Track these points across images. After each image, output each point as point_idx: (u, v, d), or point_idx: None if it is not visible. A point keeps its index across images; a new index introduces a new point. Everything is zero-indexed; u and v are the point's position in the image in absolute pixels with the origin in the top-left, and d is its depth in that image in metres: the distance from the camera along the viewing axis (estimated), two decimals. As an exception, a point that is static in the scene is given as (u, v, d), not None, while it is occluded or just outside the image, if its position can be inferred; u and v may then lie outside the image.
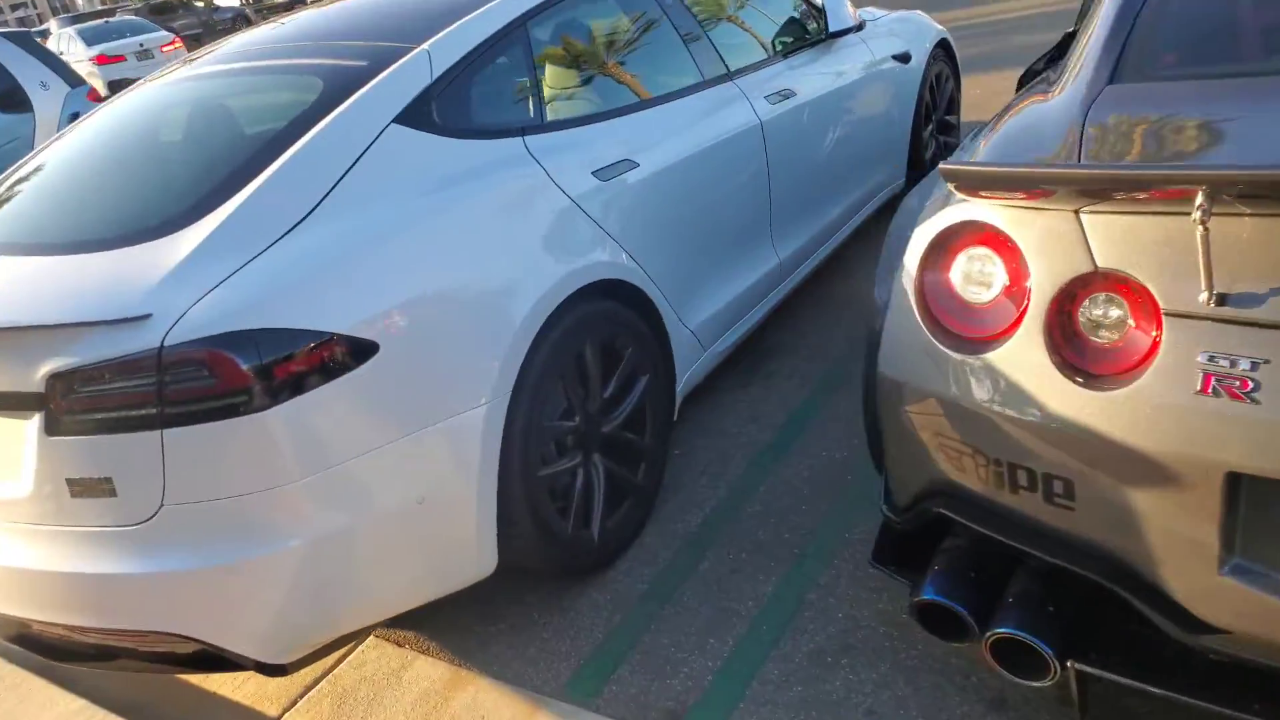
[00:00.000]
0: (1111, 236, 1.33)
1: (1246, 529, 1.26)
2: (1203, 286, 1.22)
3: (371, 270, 1.81)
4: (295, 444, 1.70)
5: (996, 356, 1.44)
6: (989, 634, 1.49)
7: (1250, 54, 1.68)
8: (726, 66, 2.91)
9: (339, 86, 2.09)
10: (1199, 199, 1.14)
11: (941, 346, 1.52)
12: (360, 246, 1.83)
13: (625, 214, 2.35)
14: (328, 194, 1.88)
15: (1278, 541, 1.24)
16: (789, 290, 3.14)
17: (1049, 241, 1.39)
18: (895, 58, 3.75)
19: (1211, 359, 1.24)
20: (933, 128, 4.13)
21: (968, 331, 1.51)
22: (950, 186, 1.39)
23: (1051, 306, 1.39)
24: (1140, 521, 1.33)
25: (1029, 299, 1.42)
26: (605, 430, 2.28)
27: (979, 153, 1.70)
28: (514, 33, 2.34)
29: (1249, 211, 1.17)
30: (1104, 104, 1.65)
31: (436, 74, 2.14)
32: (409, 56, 2.15)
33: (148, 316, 1.65)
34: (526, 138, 2.23)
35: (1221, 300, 1.22)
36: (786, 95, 3.04)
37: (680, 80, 2.73)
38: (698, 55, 2.82)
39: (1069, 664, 1.43)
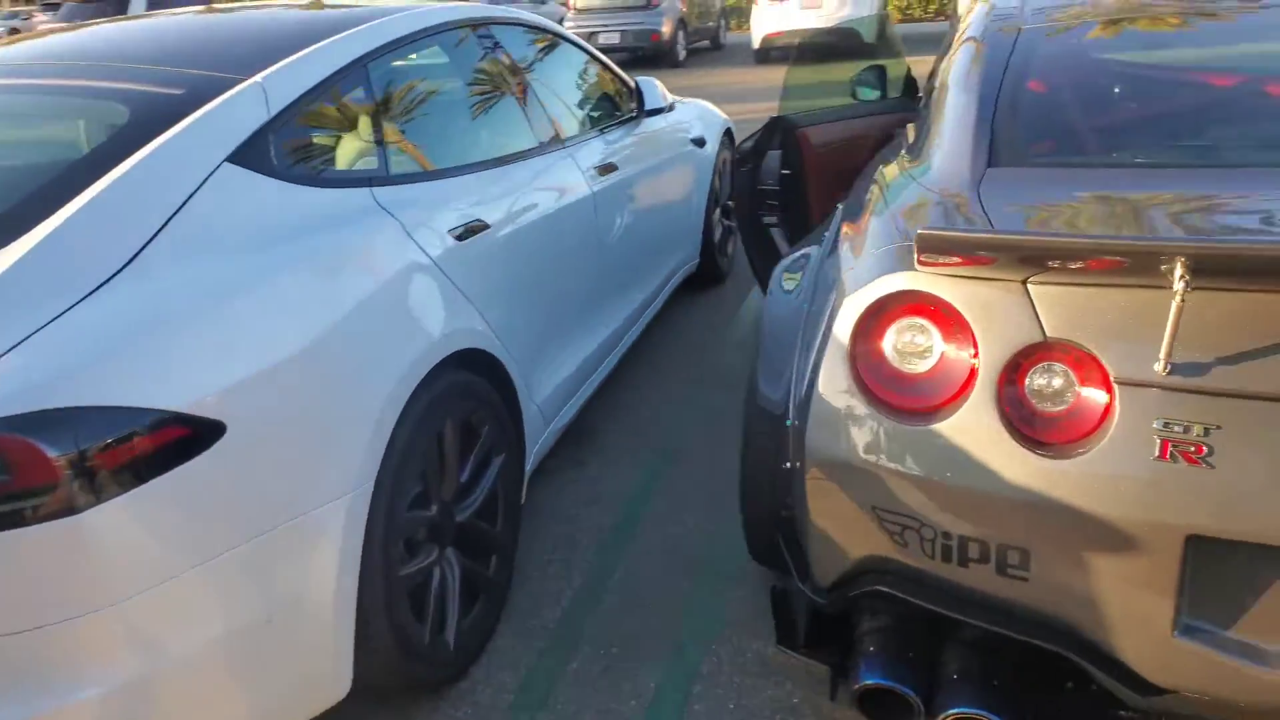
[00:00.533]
0: (1060, 307, 1.37)
1: (1194, 590, 1.31)
2: (1162, 356, 1.27)
3: (211, 335, 1.47)
4: (116, 557, 1.32)
5: (947, 426, 1.42)
6: (945, 715, 1.43)
7: (1117, 146, 1.86)
8: (559, 133, 2.81)
9: (152, 116, 1.73)
10: (1179, 270, 1.18)
11: (886, 418, 1.49)
12: (195, 306, 1.49)
13: (481, 277, 2.14)
14: (151, 240, 1.53)
15: (1221, 600, 1.30)
16: (616, 362, 3.05)
17: (998, 311, 1.40)
18: (693, 141, 3.85)
19: (1167, 425, 1.29)
20: (720, 211, 4.28)
21: (910, 403, 1.49)
22: (918, 256, 1.37)
23: (1001, 376, 1.40)
24: (1097, 588, 1.35)
25: (976, 368, 1.42)
26: (459, 519, 2.03)
27: (877, 230, 1.72)
28: (355, 73, 2.09)
29: (1218, 286, 1.24)
30: (991, 185, 1.73)
31: (274, 110, 1.84)
32: (240, 88, 1.83)
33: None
34: (374, 189, 1.98)
35: (1173, 369, 1.28)
36: (610, 168, 2.99)
37: (519, 143, 2.59)
38: (534, 120, 2.70)
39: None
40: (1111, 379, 1.33)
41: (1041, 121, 2.02)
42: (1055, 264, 1.32)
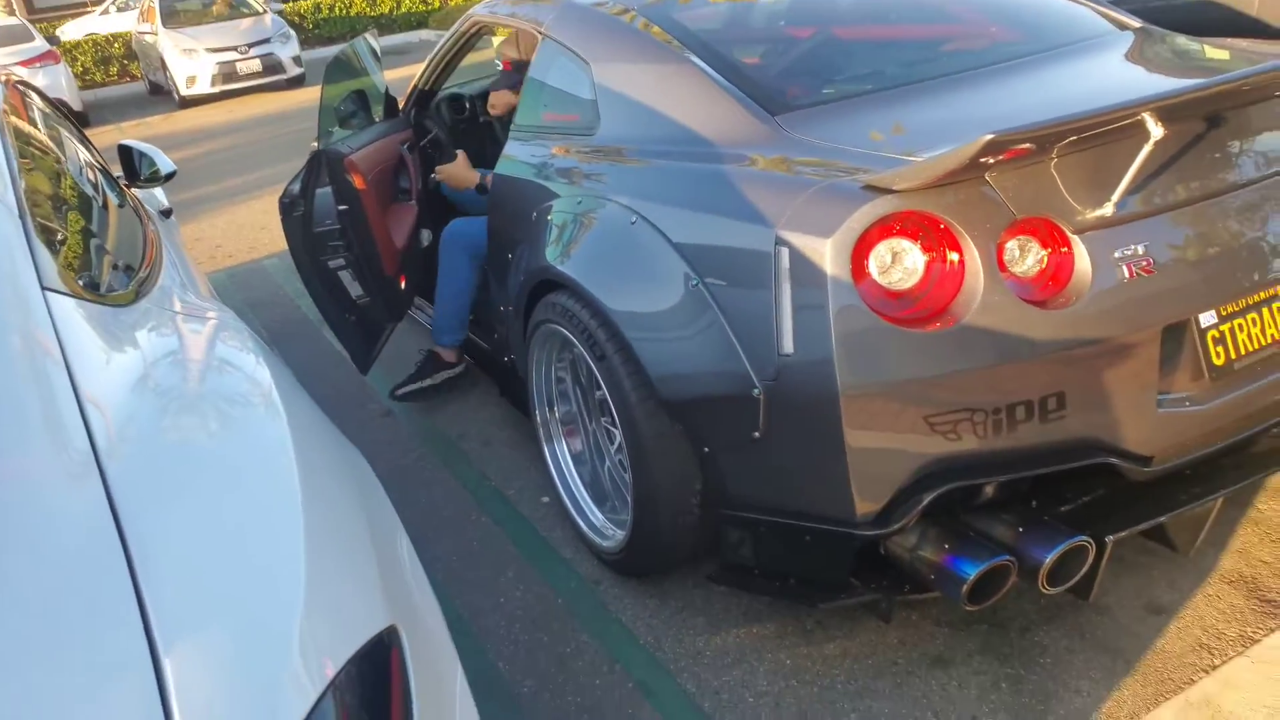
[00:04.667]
0: (1018, 190, 1.61)
1: (1164, 371, 1.69)
2: (1114, 199, 1.60)
3: None
4: None
5: (972, 316, 1.59)
6: (1045, 561, 1.62)
7: (843, 82, 2.17)
8: None
9: None
10: (1151, 122, 1.50)
11: (910, 332, 1.59)
12: None
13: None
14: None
15: (1174, 372, 1.71)
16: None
17: (974, 207, 1.60)
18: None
19: (1122, 253, 1.63)
20: None
21: (921, 313, 1.62)
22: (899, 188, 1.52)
23: (997, 258, 1.60)
24: (1110, 397, 1.65)
25: (964, 261, 1.60)
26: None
27: (760, 186, 1.80)
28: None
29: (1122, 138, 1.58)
30: (794, 127, 1.95)
31: None
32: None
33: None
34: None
35: (1114, 211, 1.62)
36: None
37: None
38: None
39: (1107, 540, 1.67)
40: (1069, 233, 1.63)
41: (775, 74, 2.26)
42: (1014, 153, 1.56)
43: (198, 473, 0.98)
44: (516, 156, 2.66)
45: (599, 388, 2.12)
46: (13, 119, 1.74)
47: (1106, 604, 1.94)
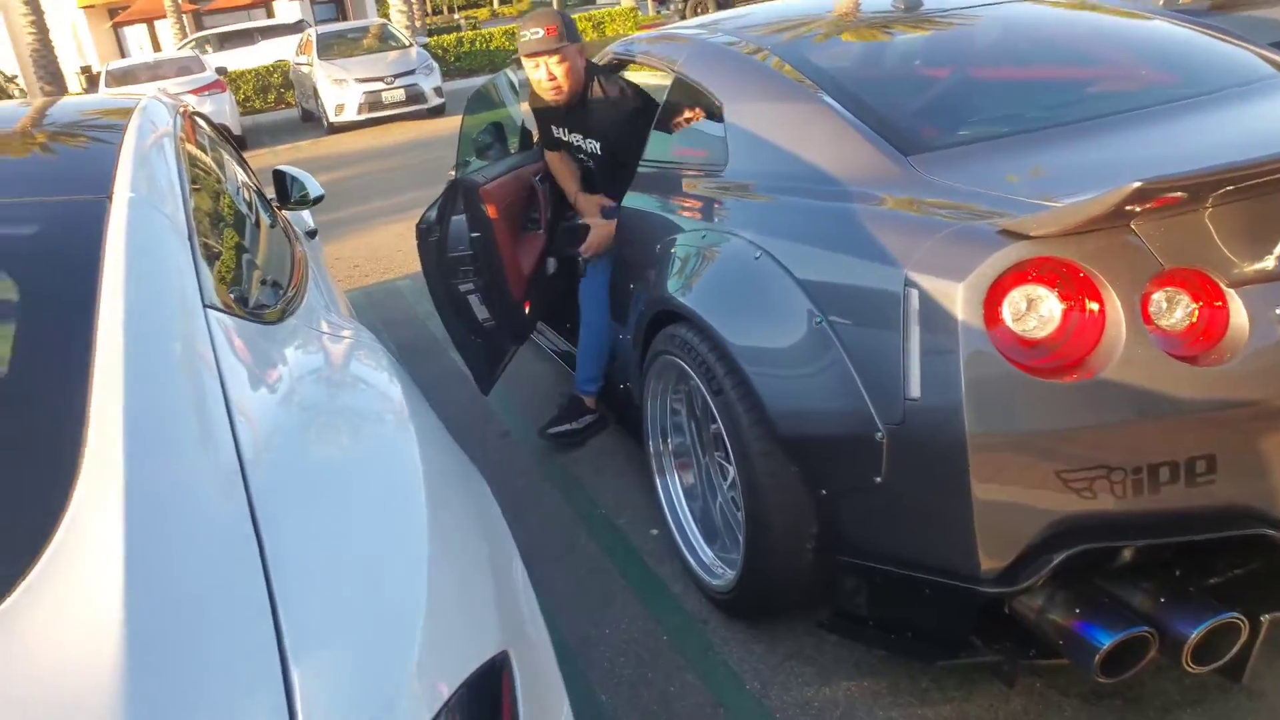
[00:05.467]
0: (1166, 239, 1.53)
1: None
2: (1275, 253, 1.50)
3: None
4: None
5: (1112, 370, 1.51)
6: (1191, 637, 1.51)
7: (981, 123, 2.12)
8: None
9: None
10: None
11: (1045, 382, 1.53)
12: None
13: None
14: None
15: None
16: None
17: (1118, 256, 1.53)
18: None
19: (1283, 310, 1.53)
20: None
21: (1058, 363, 1.55)
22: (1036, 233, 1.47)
23: (1143, 309, 1.52)
24: (1268, 461, 1.54)
25: (1105, 311, 1.53)
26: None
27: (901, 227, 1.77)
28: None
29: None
30: (929, 169, 1.90)
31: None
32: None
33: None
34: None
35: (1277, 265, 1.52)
36: None
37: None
38: None
39: (1262, 619, 1.54)
40: (1223, 286, 1.53)
41: (908, 114, 2.23)
42: (1163, 201, 1.48)
43: (333, 486, 1.03)
44: (644, 190, 2.69)
45: (714, 421, 2.11)
46: (186, 145, 1.88)
47: (1260, 689, 1.78)
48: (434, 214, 3.13)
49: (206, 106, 11.72)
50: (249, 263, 1.75)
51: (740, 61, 2.55)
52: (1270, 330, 1.53)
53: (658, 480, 2.53)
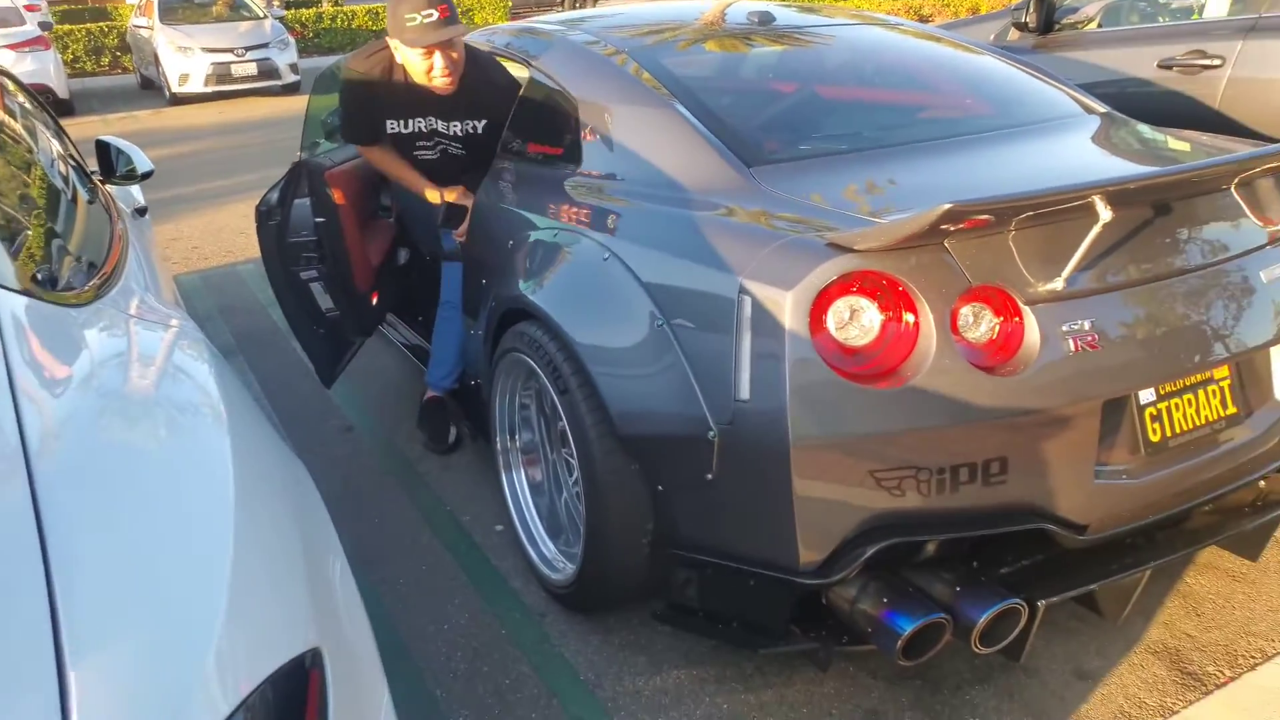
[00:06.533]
0: (975, 258, 1.67)
1: (1103, 443, 1.75)
2: (1065, 275, 1.66)
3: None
4: None
5: (922, 378, 1.63)
6: (979, 622, 1.66)
7: (820, 139, 2.23)
8: None
9: None
10: (1098, 208, 1.56)
11: (862, 388, 1.64)
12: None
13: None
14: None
15: (1120, 446, 1.76)
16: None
17: (933, 272, 1.65)
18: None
19: (1069, 327, 1.69)
20: None
21: (873, 370, 1.66)
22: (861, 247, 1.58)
23: (951, 323, 1.65)
24: (1049, 465, 1.70)
25: (918, 323, 1.65)
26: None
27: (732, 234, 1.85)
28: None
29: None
30: (766, 180, 2.00)
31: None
32: None
33: None
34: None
35: (1065, 285, 1.68)
36: None
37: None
38: None
39: (1039, 604, 1.70)
40: (1019, 303, 1.68)
41: (754, 126, 2.32)
42: (973, 223, 1.61)
43: (130, 478, 0.98)
44: (498, 182, 2.69)
45: (561, 419, 2.14)
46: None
47: (1036, 667, 1.98)
48: (275, 196, 2.99)
49: (26, 64, 10.80)
50: (56, 241, 1.65)
51: (598, 63, 2.59)
52: (1057, 345, 1.69)
53: (504, 476, 2.54)
